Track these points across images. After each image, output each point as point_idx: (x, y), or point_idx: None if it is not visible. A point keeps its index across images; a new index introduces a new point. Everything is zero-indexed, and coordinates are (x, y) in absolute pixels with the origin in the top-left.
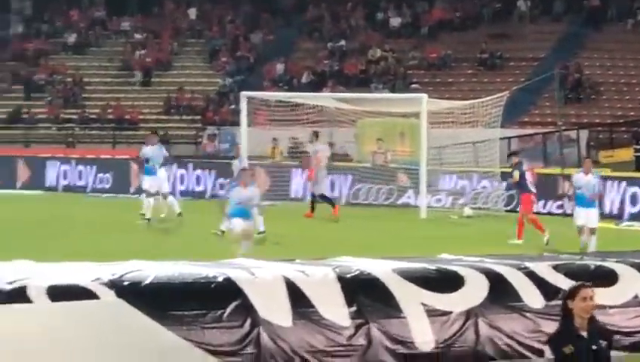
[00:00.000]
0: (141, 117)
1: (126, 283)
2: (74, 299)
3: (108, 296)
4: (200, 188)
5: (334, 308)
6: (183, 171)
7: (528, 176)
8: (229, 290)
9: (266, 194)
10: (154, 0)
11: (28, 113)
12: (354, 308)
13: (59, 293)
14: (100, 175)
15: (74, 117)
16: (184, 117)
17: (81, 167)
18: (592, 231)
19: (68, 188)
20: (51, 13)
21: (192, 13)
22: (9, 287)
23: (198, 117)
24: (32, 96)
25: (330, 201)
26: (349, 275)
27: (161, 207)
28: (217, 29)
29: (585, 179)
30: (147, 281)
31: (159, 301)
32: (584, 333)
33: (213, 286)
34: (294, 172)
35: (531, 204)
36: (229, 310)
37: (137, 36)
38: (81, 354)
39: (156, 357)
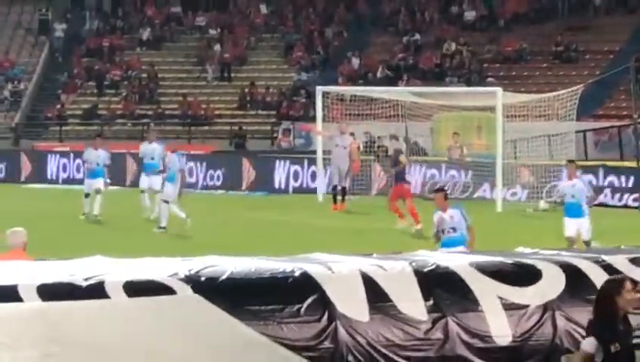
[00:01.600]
0: (216, 112)
1: (203, 278)
2: (151, 294)
3: (185, 291)
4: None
5: (411, 302)
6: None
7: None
8: (306, 285)
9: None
10: None
11: (106, 109)
12: (431, 302)
13: (136, 289)
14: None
15: (149, 113)
16: (259, 112)
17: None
18: (586, 243)
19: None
20: (126, 9)
21: (264, 8)
22: (86, 283)
23: (274, 112)
24: (107, 92)
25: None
26: (425, 269)
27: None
28: (292, 24)
29: (570, 185)
30: (224, 276)
31: (236, 296)
32: (621, 327)
33: (290, 280)
34: (372, 166)
35: (398, 194)
36: (306, 304)
37: (212, 32)
38: (158, 350)
39: (234, 353)
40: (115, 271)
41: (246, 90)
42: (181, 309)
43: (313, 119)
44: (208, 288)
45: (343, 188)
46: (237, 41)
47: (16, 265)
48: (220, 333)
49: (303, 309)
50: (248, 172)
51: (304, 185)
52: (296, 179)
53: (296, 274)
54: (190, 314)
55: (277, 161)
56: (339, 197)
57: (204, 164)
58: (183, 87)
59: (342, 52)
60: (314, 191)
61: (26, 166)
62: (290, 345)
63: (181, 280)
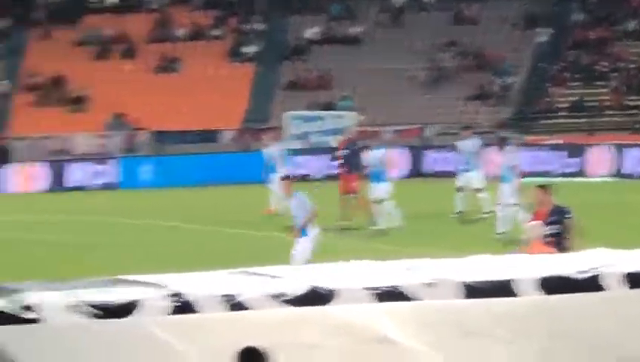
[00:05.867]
0: None
1: None
2: None
3: None
4: None
5: None
6: None
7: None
8: None
9: None
10: None
11: (594, 101)
12: None
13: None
14: None
15: (639, 103)
16: None
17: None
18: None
19: None
20: (612, 1)
21: None
22: (581, 276)
23: None
24: (595, 84)
25: None
26: None
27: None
28: None
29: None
30: None
31: None
32: None
33: None
34: None
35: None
36: None
37: None
38: None
39: None
40: (613, 262)
41: None
42: None
43: None
44: None
45: None
46: None
47: (514, 258)
48: None
49: None
50: None
51: None
52: None
53: None
54: None
55: None
56: None
57: None
58: None
59: None
60: None
61: None
62: None
63: None
